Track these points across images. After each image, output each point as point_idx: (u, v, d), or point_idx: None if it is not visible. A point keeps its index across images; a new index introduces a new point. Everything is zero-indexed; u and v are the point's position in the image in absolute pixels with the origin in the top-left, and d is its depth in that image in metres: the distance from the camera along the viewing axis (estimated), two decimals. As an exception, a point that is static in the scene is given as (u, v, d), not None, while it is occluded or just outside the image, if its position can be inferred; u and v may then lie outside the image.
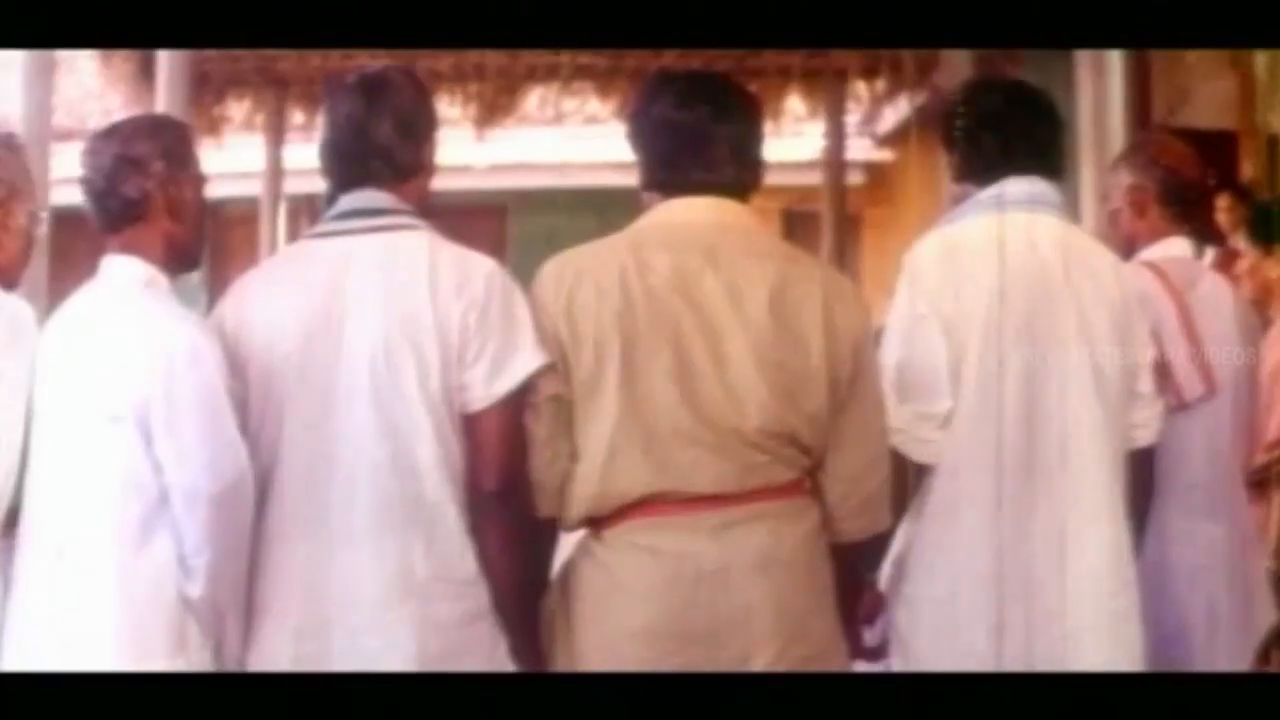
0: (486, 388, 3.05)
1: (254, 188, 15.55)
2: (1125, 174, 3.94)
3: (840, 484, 3.15)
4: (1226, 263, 8.18)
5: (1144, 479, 3.56)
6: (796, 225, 16.67)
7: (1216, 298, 3.88)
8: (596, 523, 3.08)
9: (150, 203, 3.16)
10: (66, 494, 3.04)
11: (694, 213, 3.13)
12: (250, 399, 3.10)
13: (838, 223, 14.10)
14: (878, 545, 3.35)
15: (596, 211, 17.47)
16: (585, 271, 3.07)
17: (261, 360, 3.09)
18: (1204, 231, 4.03)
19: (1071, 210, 3.86)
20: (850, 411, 3.13)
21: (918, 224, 15.61)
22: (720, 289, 3.04)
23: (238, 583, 3.05)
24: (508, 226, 18.14)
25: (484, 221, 18.10)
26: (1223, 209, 8.30)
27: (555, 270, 3.12)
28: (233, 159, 14.89)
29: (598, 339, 3.02)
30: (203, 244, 3.29)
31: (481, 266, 3.13)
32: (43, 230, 3.48)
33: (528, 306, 3.10)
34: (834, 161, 14.05)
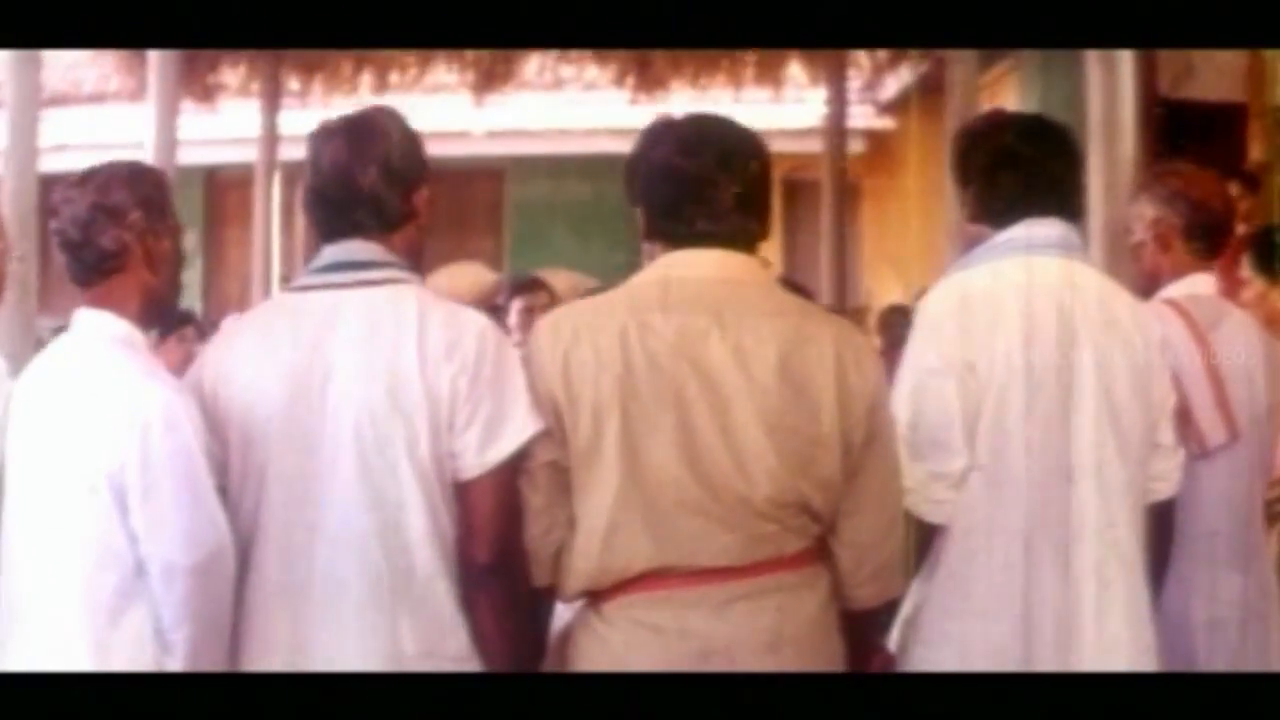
0: (479, 456, 2.90)
1: (249, 154, 15.46)
2: (1149, 206, 3.78)
3: (853, 550, 2.99)
4: (1236, 253, 8.04)
5: (1164, 533, 3.43)
6: (795, 193, 16.54)
7: (1241, 337, 3.71)
8: (596, 595, 2.93)
9: (128, 255, 3.01)
10: (38, 560, 2.91)
11: (698, 267, 2.96)
12: (230, 461, 2.96)
13: (837, 191, 13.99)
14: (889, 607, 3.21)
15: (593, 177, 17.53)
16: (582, 331, 2.90)
17: (242, 422, 2.94)
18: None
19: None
20: (864, 475, 2.96)
21: (918, 193, 15.65)
22: (726, 352, 2.87)
23: (218, 658, 2.91)
24: (505, 191, 18.02)
25: (482, 186, 18.00)
26: (1232, 197, 8.15)
27: (551, 329, 2.95)
28: (228, 125, 14.79)
29: (596, 405, 2.86)
30: (179, 293, 3.14)
31: (472, 325, 2.97)
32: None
33: (522, 367, 2.94)
34: (834, 129, 13.92)
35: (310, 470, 2.91)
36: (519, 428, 2.89)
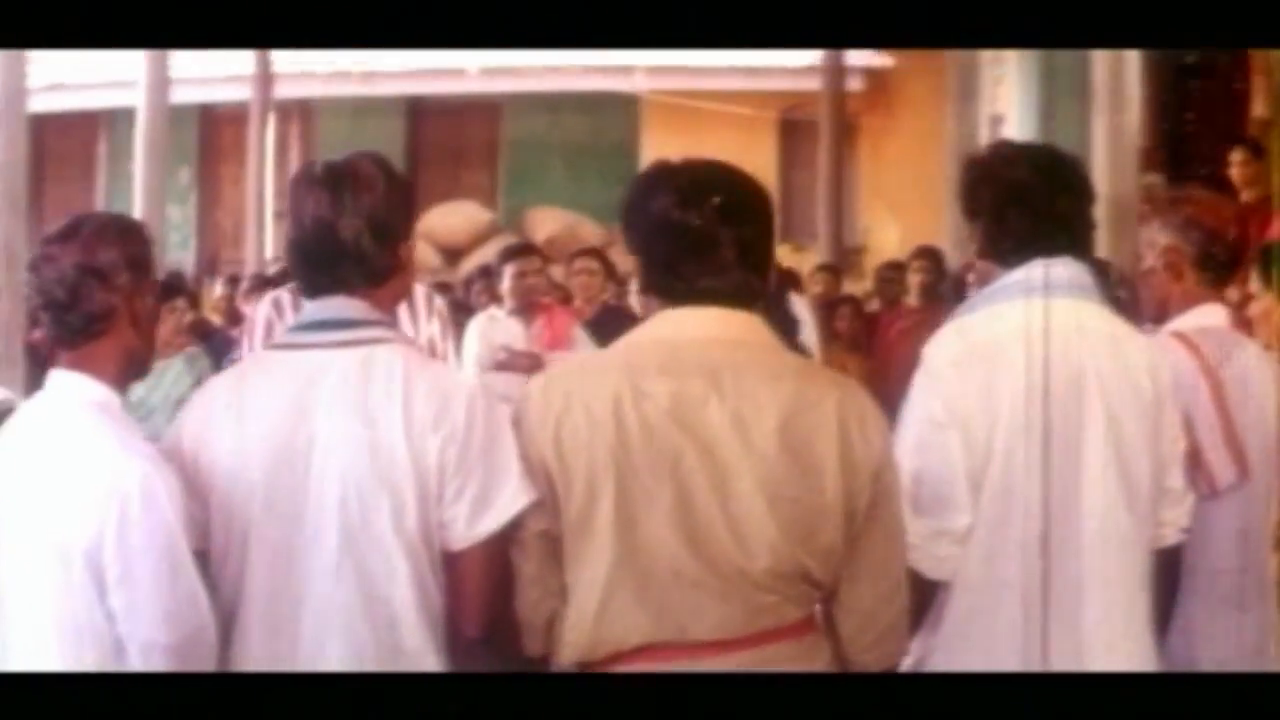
0: (469, 528, 2.81)
1: (244, 92, 15.34)
2: (1161, 234, 3.66)
3: (856, 617, 2.88)
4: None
5: (1170, 579, 3.35)
6: (793, 133, 16.42)
7: (1254, 371, 3.59)
8: (590, 666, 2.84)
9: (115, 317, 2.90)
10: (14, 634, 2.81)
11: (697, 327, 2.83)
12: (212, 525, 2.86)
13: (835, 131, 13.87)
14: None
15: (589, 113, 17.39)
16: (575, 397, 2.79)
17: (224, 489, 2.85)
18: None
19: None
20: (867, 540, 2.85)
21: (915, 133, 15.51)
22: (725, 419, 2.75)
23: None
24: (501, 128, 17.90)
25: (477, 122, 17.88)
26: (1236, 163, 8.05)
27: (542, 393, 2.84)
28: (223, 63, 14.66)
29: (590, 476, 2.75)
30: (154, 349, 3.04)
31: (461, 389, 2.88)
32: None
33: (512, 433, 2.83)
34: (833, 67, 13.78)
35: (294, 540, 2.82)
36: (510, 499, 2.80)
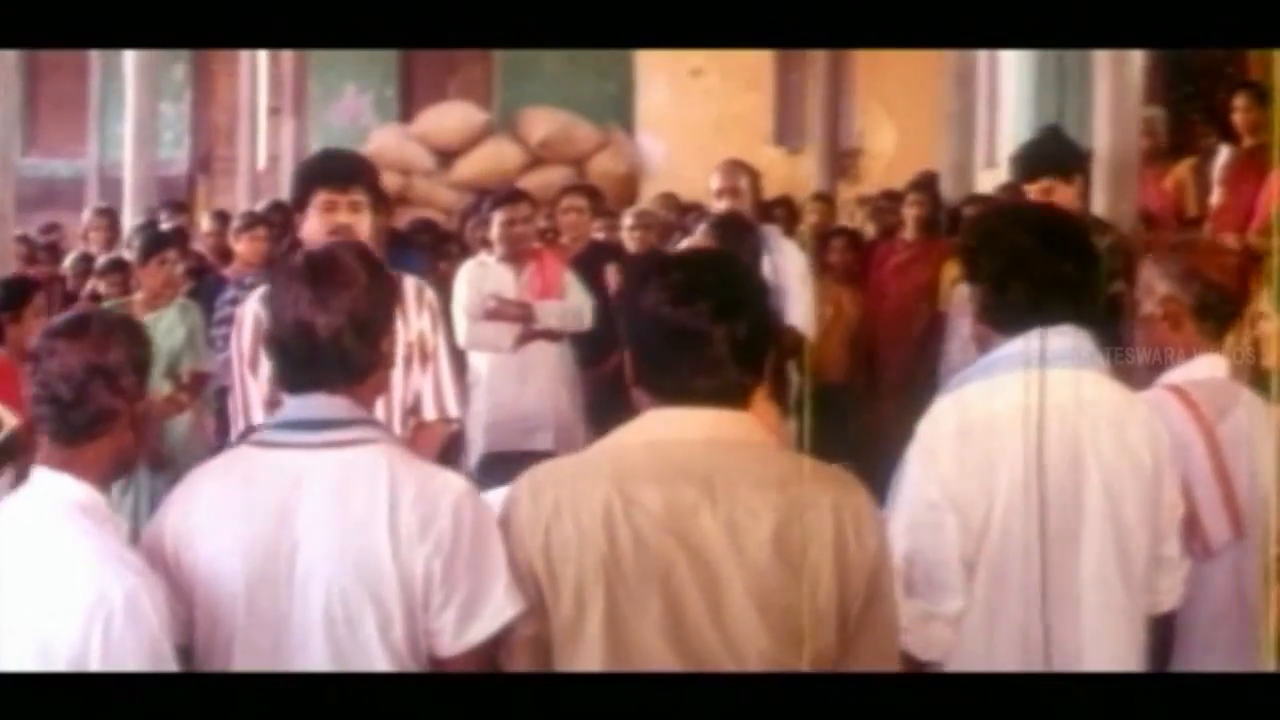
0: (456, 637, 2.78)
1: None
2: (1161, 282, 3.61)
3: None
4: (1241, 167, 7.86)
5: (1164, 647, 3.34)
6: (787, 55, 16.23)
7: (1251, 425, 3.56)
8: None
9: (116, 418, 2.86)
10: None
11: (688, 428, 2.77)
12: (196, 627, 2.84)
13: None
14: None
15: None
16: (564, 504, 2.73)
17: (207, 591, 2.81)
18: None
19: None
20: (862, 636, 2.80)
21: (913, 54, 15.27)
22: (718, 528, 2.71)
23: None
24: (493, 60, 17.77)
25: (472, 56, 17.70)
26: (1240, 109, 7.94)
27: (531, 497, 2.78)
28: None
29: (579, 586, 2.71)
30: (144, 448, 3.00)
31: (447, 494, 2.82)
32: None
33: (500, 537, 2.79)
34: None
35: (280, 648, 2.79)
36: (498, 609, 2.76)
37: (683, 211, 9.05)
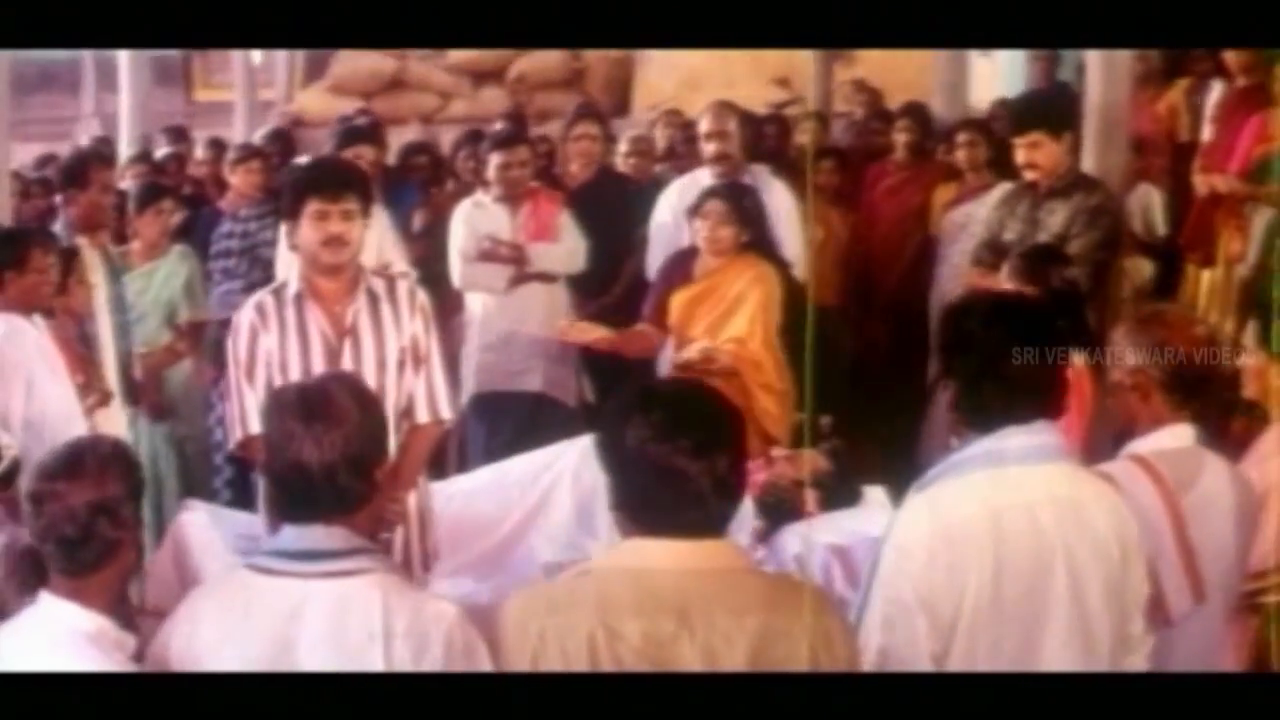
0: None
1: None
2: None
3: None
4: (1233, 106, 7.85)
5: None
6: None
7: (1216, 495, 3.68)
8: None
9: (121, 547, 3.00)
10: None
11: (668, 558, 2.90)
12: None
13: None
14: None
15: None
16: (549, 635, 2.87)
17: None
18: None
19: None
20: None
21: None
22: (696, 656, 2.85)
23: None
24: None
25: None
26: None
27: (518, 627, 2.90)
28: None
29: None
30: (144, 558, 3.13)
31: (439, 625, 2.97)
32: None
33: (490, 666, 2.94)
34: None
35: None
36: None
37: (683, 127, 8.99)
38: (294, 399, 3.02)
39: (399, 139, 12.80)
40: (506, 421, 7.39)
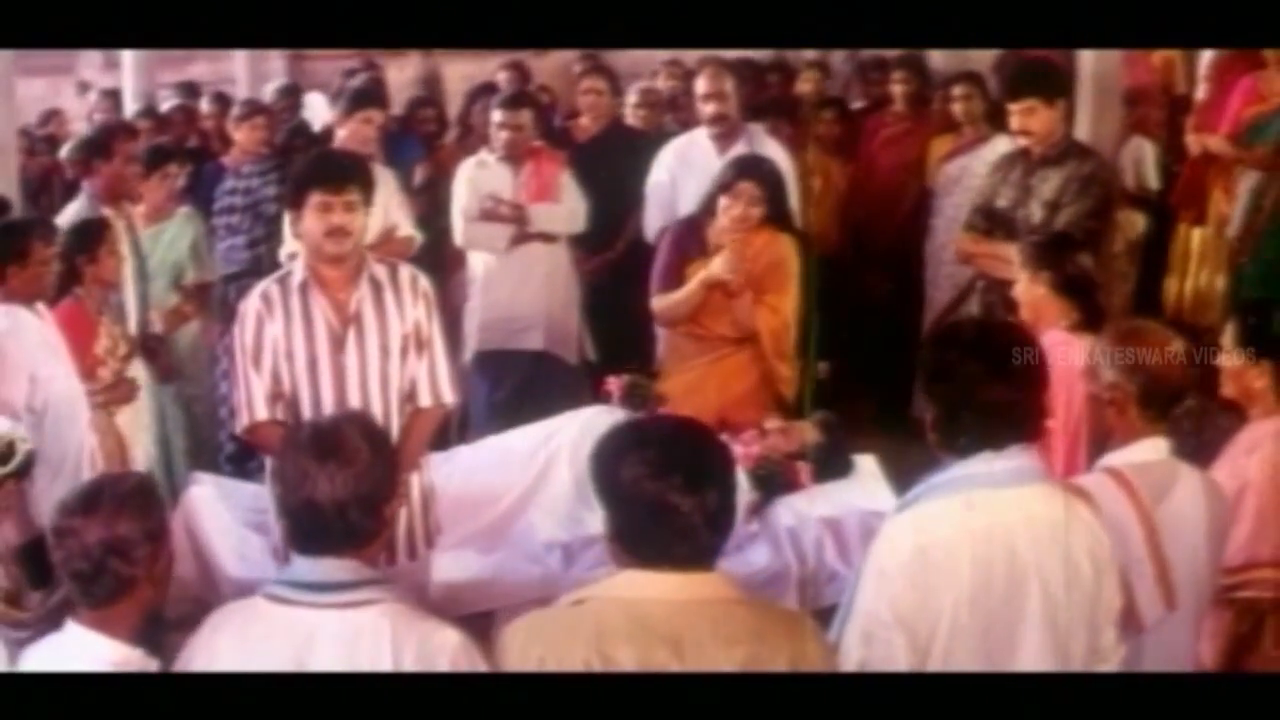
0: None
1: None
2: (1108, 369, 3.83)
3: None
4: (1226, 67, 7.91)
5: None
6: None
7: (1189, 506, 3.81)
8: None
9: (136, 584, 3.14)
10: None
11: (661, 590, 3.06)
12: None
13: None
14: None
15: None
16: (548, 662, 3.03)
17: None
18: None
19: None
20: None
21: None
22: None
23: None
24: None
25: None
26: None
27: (519, 654, 3.06)
28: None
29: None
30: (168, 592, 3.27)
31: (444, 653, 3.11)
32: None
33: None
34: None
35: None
36: None
37: (687, 77, 9.04)
38: (308, 439, 3.15)
39: (400, 71, 12.88)
40: (508, 379, 7.53)
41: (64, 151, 8.22)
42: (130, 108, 9.50)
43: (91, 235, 6.15)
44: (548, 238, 7.58)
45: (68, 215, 6.82)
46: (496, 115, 7.62)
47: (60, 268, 5.73)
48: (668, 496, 3.03)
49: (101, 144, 6.94)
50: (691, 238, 6.53)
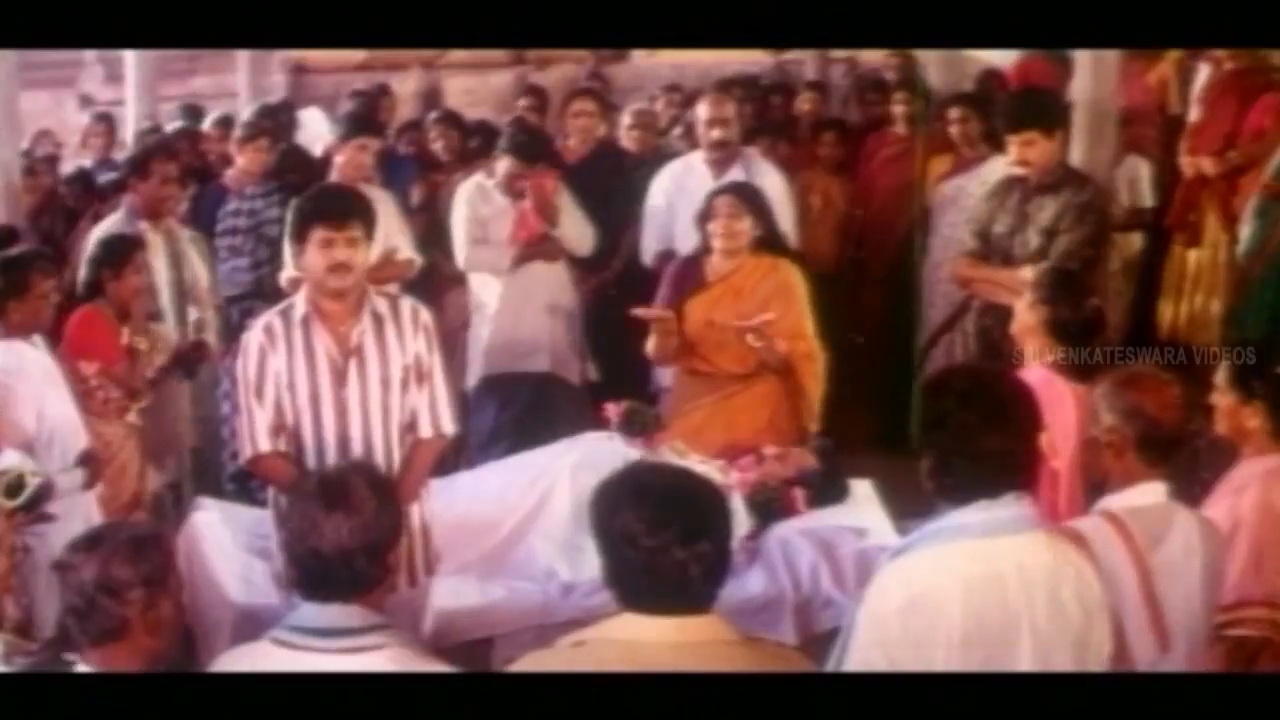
0: None
1: None
2: (1106, 414, 3.88)
3: None
4: (1221, 89, 7.96)
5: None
6: None
7: (1185, 550, 3.85)
8: None
9: (128, 627, 3.18)
10: None
11: (659, 634, 3.11)
12: None
13: None
14: None
15: None
16: None
17: None
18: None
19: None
20: None
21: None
22: None
23: None
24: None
25: None
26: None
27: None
28: None
29: None
30: (177, 646, 3.32)
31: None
32: None
33: None
34: None
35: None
36: None
37: (685, 105, 9.09)
38: (315, 488, 3.22)
39: (401, 85, 12.93)
40: (516, 402, 7.58)
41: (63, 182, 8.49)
42: (131, 124, 9.55)
43: (119, 251, 6.34)
44: (549, 256, 7.62)
45: (104, 227, 7.07)
46: (505, 162, 7.64)
47: (87, 276, 5.85)
48: (663, 551, 3.08)
49: (140, 164, 7.28)
50: (689, 274, 6.59)
